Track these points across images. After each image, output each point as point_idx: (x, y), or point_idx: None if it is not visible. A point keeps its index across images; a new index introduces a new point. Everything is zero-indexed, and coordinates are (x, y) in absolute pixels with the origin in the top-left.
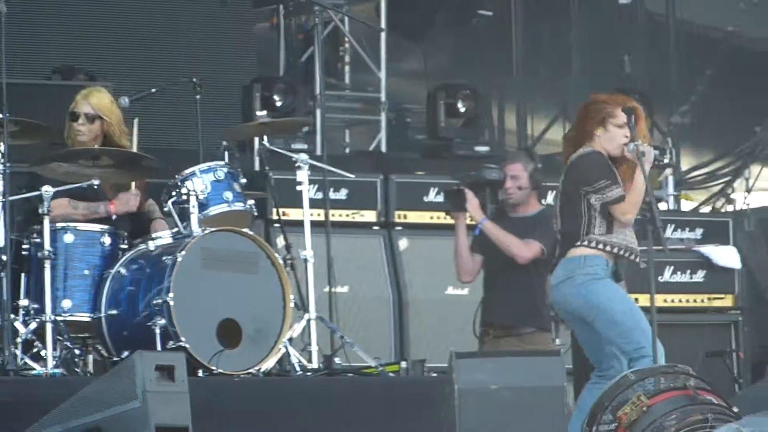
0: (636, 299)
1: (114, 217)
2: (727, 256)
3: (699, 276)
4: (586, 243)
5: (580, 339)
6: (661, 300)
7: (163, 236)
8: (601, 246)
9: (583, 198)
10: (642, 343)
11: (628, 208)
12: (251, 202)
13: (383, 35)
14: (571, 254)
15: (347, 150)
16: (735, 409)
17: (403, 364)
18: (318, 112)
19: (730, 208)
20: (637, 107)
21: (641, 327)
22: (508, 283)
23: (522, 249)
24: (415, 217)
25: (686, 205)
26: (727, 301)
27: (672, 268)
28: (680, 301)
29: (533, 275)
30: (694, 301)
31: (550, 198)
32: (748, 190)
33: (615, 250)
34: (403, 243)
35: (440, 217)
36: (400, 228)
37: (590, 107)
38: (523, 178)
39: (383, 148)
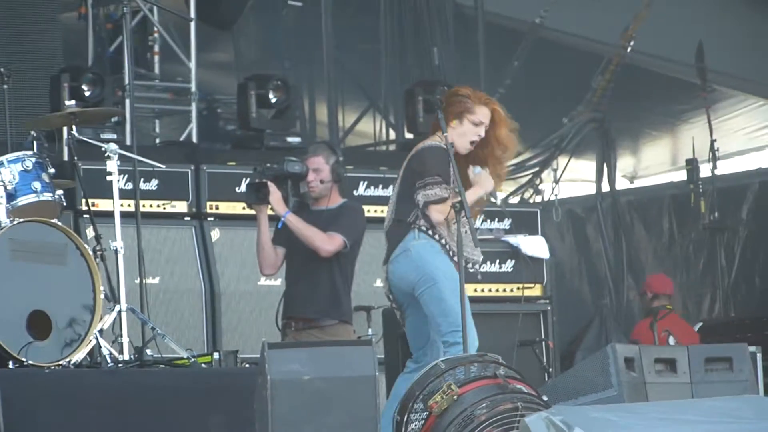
0: None
1: None
2: (535, 245)
3: (508, 266)
4: (417, 228)
5: (407, 322)
6: (471, 290)
7: None
8: (431, 232)
9: (415, 190)
10: (459, 326)
11: (443, 211)
12: (60, 192)
13: (193, 25)
14: (406, 234)
15: (157, 140)
16: (545, 398)
17: (216, 355)
18: (127, 102)
19: (538, 198)
20: (498, 110)
21: (460, 311)
22: (310, 276)
23: (325, 242)
24: (227, 207)
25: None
26: (536, 290)
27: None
28: (490, 290)
29: (335, 268)
30: (504, 290)
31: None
32: (556, 181)
33: (443, 241)
34: (215, 234)
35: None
36: (212, 219)
37: (452, 98)
38: (324, 171)
39: (194, 139)
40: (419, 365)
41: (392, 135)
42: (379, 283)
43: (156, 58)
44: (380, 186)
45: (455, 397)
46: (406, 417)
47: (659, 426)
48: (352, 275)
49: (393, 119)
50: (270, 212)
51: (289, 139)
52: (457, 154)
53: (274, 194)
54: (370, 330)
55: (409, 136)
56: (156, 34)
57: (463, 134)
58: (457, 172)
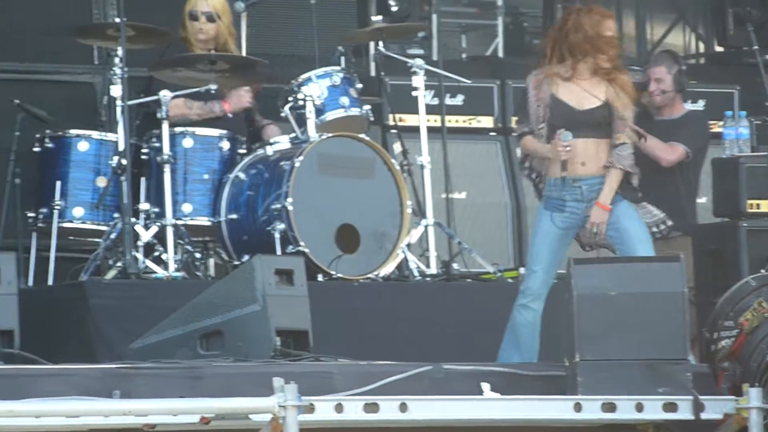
0: None
1: (230, 115)
2: None
3: None
4: None
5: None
6: None
7: (280, 141)
8: None
9: None
10: None
11: None
12: (367, 107)
13: None
14: None
15: (463, 55)
16: None
17: (522, 270)
18: (434, 17)
19: None
20: None
21: None
22: (653, 188)
23: (666, 152)
24: None
25: None
26: None
27: None
28: None
29: (678, 178)
30: None
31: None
32: None
33: None
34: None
35: None
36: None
37: None
38: (666, 81)
39: (500, 54)
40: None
41: (701, 48)
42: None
43: None
44: (688, 101)
45: (766, 314)
46: (716, 334)
47: None
48: (696, 186)
49: (702, 31)
50: None
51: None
52: None
53: None
54: None
55: (719, 49)
56: None
57: None
58: None
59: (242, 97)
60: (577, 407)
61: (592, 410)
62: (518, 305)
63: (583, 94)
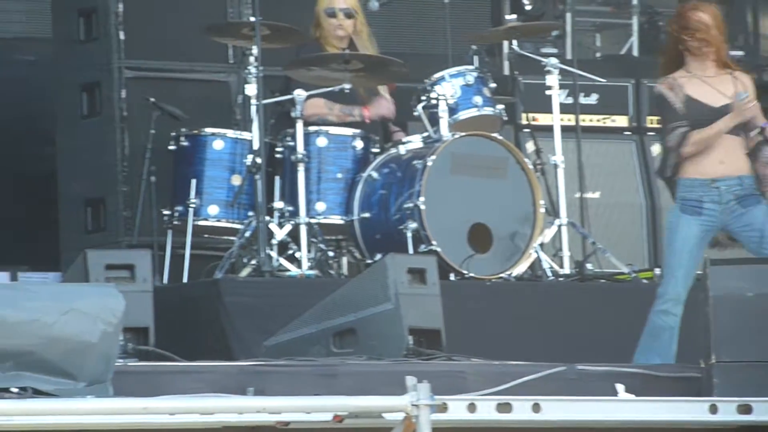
0: None
1: (368, 121)
2: None
3: None
4: None
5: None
6: None
7: (413, 140)
8: None
9: None
10: None
11: None
12: (501, 106)
13: None
14: None
15: (597, 54)
16: None
17: (657, 270)
18: (568, 16)
19: None
20: None
21: None
22: None
23: None
24: None
25: None
26: None
27: None
28: None
29: None
30: None
31: None
32: None
33: None
34: (655, 148)
35: None
36: (651, 133)
37: None
38: None
39: (635, 52)
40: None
41: None
42: None
43: None
44: None
45: None
46: None
47: None
48: None
49: None
50: None
51: (732, 53)
52: None
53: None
54: None
55: None
56: None
57: None
58: None
59: (383, 107)
60: (713, 409)
61: (728, 412)
62: (658, 310)
63: (713, 91)
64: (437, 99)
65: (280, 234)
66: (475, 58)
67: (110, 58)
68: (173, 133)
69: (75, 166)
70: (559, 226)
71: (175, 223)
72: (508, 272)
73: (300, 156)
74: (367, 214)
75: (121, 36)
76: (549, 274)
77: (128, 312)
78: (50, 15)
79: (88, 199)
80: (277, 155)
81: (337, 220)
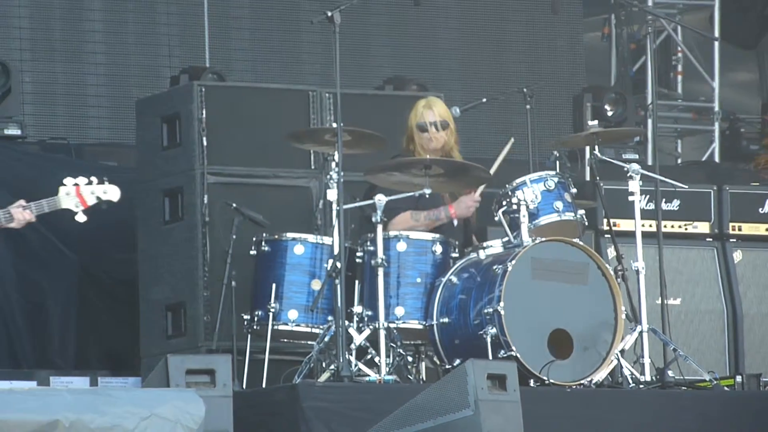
0: None
1: (455, 222)
2: None
3: None
4: None
5: None
6: None
7: (493, 245)
8: None
9: None
10: None
11: None
12: (582, 211)
13: (716, 44)
14: None
15: (679, 160)
16: None
17: (738, 378)
18: (650, 122)
19: None
20: None
21: None
22: None
23: None
24: (749, 228)
25: None
26: None
27: None
28: None
29: None
30: None
31: None
32: None
33: None
34: (737, 255)
35: None
36: (734, 240)
37: None
38: None
39: (716, 158)
40: None
41: None
42: None
43: (679, 78)
44: None
45: None
46: None
47: None
48: None
49: None
50: None
51: None
52: None
53: None
54: None
55: None
56: (679, 54)
57: None
58: None
59: (469, 205)
60: None
61: None
62: None
63: None
64: (518, 204)
65: (359, 339)
66: (557, 163)
67: (193, 164)
68: (255, 238)
69: (156, 270)
70: (640, 333)
71: (255, 327)
72: (588, 379)
73: (380, 260)
74: (446, 319)
75: (204, 142)
76: (630, 381)
77: (208, 417)
78: (134, 122)
79: (169, 303)
80: (357, 260)
81: (415, 324)
